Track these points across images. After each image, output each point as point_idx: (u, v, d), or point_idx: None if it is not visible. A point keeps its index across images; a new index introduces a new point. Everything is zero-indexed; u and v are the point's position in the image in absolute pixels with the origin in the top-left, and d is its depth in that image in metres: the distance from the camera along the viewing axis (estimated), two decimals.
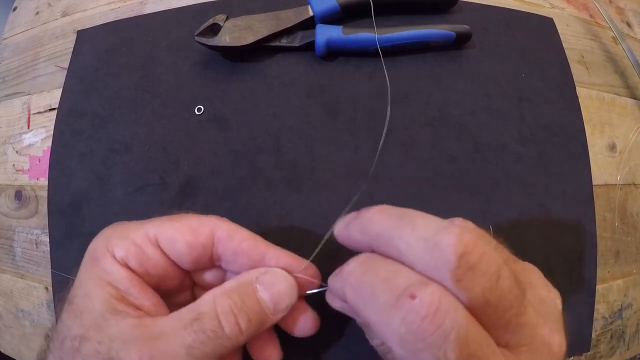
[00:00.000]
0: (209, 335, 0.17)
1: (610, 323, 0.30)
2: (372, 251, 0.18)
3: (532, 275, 0.19)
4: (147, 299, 0.19)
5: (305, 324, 0.22)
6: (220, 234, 0.20)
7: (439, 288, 0.15)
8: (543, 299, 0.18)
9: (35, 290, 0.30)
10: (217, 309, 0.18)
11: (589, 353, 0.29)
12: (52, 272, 0.29)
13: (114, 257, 0.19)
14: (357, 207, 0.28)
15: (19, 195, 0.31)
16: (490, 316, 0.15)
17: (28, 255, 0.30)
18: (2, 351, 0.31)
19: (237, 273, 0.21)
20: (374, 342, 0.20)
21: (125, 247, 0.20)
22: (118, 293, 0.19)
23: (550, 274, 0.28)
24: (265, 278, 0.20)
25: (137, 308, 0.19)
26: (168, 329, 0.18)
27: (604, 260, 0.30)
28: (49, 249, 0.29)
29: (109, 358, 0.17)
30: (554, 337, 0.17)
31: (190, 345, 0.17)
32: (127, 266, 0.20)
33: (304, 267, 0.21)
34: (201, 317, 0.18)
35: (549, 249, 0.29)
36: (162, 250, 0.20)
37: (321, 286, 0.21)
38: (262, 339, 0.22)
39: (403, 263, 0.16)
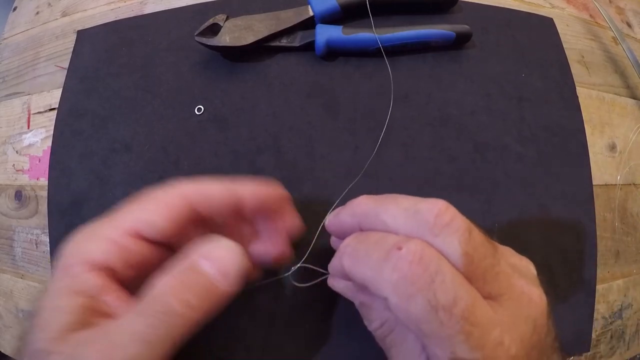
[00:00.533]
0: (159, 318, 0.17)
1: (610, 323, 0.30)
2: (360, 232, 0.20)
3: (502, 247, 0.20)
4: (123, 303, 0.18)
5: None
6: (194, 198, 0.20)
7: (421, 241, 0.17)
8: (515, 264, 0.19)
9: (35, 290, 0.30)
10: (163, 289, 0.18)
11: (589, 353, 0.29)
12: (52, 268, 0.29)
13: (87, 263, 0.18)
14: None
15: (19, 195, 0.31)
16: (468, 266, 0.17)
17: (28, 255, 0.30)
18: (2, 351, 0.31)
19: (233, 224, 0.22)
20: (373, 325, 0.21)
21: (103, 249, 0.18)
22: (89, 303, 0.18)
23: (550, 274, 0.29)
24: (204, 249, 0.19)
25: (108, 316, 0.18)
26: (121, 320, 0.17)
27: (604, 260, 0.30)
28: (49, 249, 0.29)
29: None
30: (532, 289, 0.18)
31: (142, 331, 0.17)
32: (103, 270, 0.18)
33: (297, 267, 0.22)
34: (149, 300, 0.17)
35: (549, 249, 0.29)
36: (143, 238, 0.19)
37: (322, 274, 0.23)
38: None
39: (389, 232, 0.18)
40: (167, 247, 0.21)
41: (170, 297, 0.17)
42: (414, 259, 0.16)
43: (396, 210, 0.18)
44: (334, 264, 0.21)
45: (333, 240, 0.23)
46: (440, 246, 0.17)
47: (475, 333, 0.16)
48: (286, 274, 0.24)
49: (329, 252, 0.21)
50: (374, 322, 0.20)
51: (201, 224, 0.21)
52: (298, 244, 0.23)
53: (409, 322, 0.17)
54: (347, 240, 0.20)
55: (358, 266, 0.18)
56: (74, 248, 0.19)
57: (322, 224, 0.23)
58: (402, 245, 0.17)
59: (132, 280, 0.19)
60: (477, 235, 0.18)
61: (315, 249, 0.24)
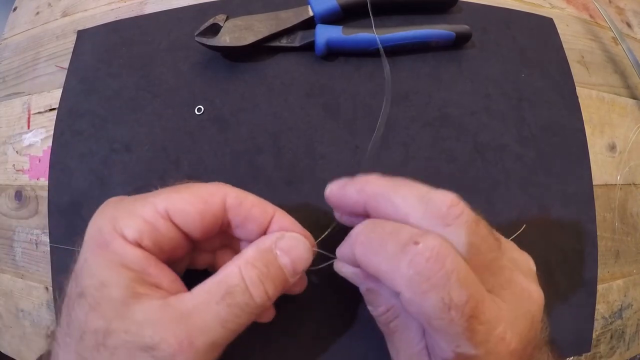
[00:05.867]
0: (242, 308, 0.18)
1: (610, 323, 0.30)
2: (365, 211, 0.20)
3: (506, 242, 0.21)
4: (165, 276, 0.19)
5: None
6: (230, 201, 0.20)
7: (437, 236, 0.17)
8: (516, 259, 0.20)
9: (35, 290, 0.30)
10: (246, 281, 0.18)
11: (589, 353, 0.29)
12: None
13: (124, 238, 0.18)
14: None
15: (19, 195, 0.31)
16: (474, 257, 0.17)
17: (28, 255, 0.30)
18: (2, 351, 0.31)
19: (245, 238, 0.22)
20: (377, 311, 0.21)
21: (136, 226, 0.18)
22: (137, 275, 0.18)
23: (550, 274, 0.29)
24: (284, 243, 0.20)
25: (157, 288, 0.18)
26: (201, 305, 0.17)
27: (604, 260, 0.30)
28: (49, 249, 0.29)
29: (143, 346, 0.16)
30: (532, 285, 0.19)
31: (225, 319, 0.17)
32: (139, 246, 0.18)
33: (314, 242, 0.22)
34: (232, 290, 0.18)
35: (549, 249, 0.29)
36: (174, 224, 0.19)
37: (329, 258, 0.22)
38: None
39: (397, 218, 0.18)
40: (191, 241, 0.21)
41: (253, 288, 0.18)
42: (431, 255, 0.16)
43: (410, 195, 0.18)
44: (343, 250, 0.21)
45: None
46: (450, 236, 0.17)
47: (482, 330, 0.16)
48: None
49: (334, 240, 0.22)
50: (379, 307, 0.21)
51: (226, 227, 0.21)
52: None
53: (419, 316, 0.17)
54: (359, 228, 0.19)
55: (371, 257, 0.18)
56: (108, 223, 0.19)
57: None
58: (419, 240, 0.17)
59: (162, 260, 0.20)
60: (484, 227, 0.18)
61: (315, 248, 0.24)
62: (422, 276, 0.16)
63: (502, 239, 0.20)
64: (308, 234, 0.22)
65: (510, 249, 0.20)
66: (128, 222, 0.18)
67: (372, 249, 0.18)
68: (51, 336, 0.19)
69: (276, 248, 0.20)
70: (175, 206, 0.19)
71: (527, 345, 0.18)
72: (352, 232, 0.20)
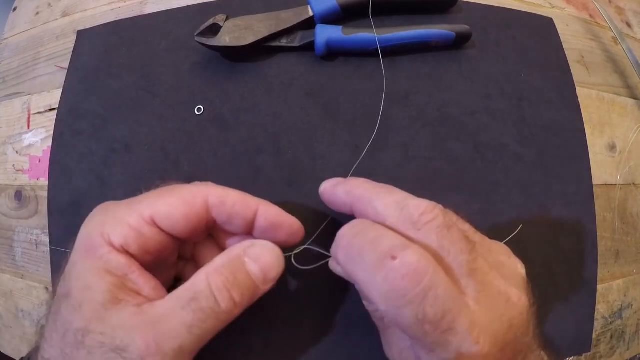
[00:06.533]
0: (207, 313, 0.18)
1: (610, 323, 0.30)
2: (351, 211, 0.21)
3: (494, 246, 0.21)
4: (147, 282, 0.19)
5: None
6: (212, 200, 0.21)
7: (418, 250, 0.17)
8: (503, 262, 0.20)
9: (35, 290, 0.30)
10: (212, 287, 0.19)
11: (589, 353, 0.29)
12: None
13: (111, 244, 0.19)
14: None
15: (19, 195, 0.31)
16: (445, 259, 0.18)
17: (28, 255, 0.30)
18: (2, 351, 0.31)
19: (234, 232, 0.22)
20: (371, 307, 0.22)
21: (122, 233, 0.19)
22: (118, 281, 0.19)
23: (550, 274, 0.29)
24: (253, 251, 0.20)
25: (138, 294, 0.19)
26: (168, 311, 0.18)
27: (604, 260, 0.30)
28: (49, 249, 0.29)
29: (114, 347, 0.17)
30: (512, 289, 0.19)
31: (190, 324, 0.18)
32: (125, 252, 0.19)
33: (300, 226, 0.22)
34: (197, 296, 0.18)
35: (549, 249, 0.29)
36: (159, 228, 0.20)
37: (326, 256, 0.23)
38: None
39: (376, 220, 0.19)
40: (176, 242, 0.22)
41: (218, 293, 0.19)
42: (408, 273, 0.17)
43: (389, 201, 0.20)
44: (333, 249, 0.21)
45: (332, 264, 0.23)
46: (421, 240, 0.18)
47: (456, 340, 0.17)
48: (288, 254, 0.24)
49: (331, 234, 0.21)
50: (373, 304, 0.21)
51: (213, 226, 0.22)
52: (296, 247, 0.23)
53: (396, 325, 0.18)
54: (344, 231, 0.20)
55: (351, 265, 0.19)
56: (96, 230, 0.20)
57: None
58: (397, 255, 0.17)
59: (147, 265, 0.20)
60: (456, 232, 0.19)
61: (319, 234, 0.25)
62: (396, 293, 0.17)
63: (486, 242, 0.21)
64: (295, 221, 0.22)
65: (496, 252, 0.21)
66: (114, 229, 0.19)
67: (352, 257, 0.19)
68: (40, 331, 0.20)
69: (245, 255, 0.20)
70: (159, 212, 0.20)
71: (505, 348, 0.18)
72: (338, 234, 0.20)
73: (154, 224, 0.20)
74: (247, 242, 0.21)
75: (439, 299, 0.16)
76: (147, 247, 0.20)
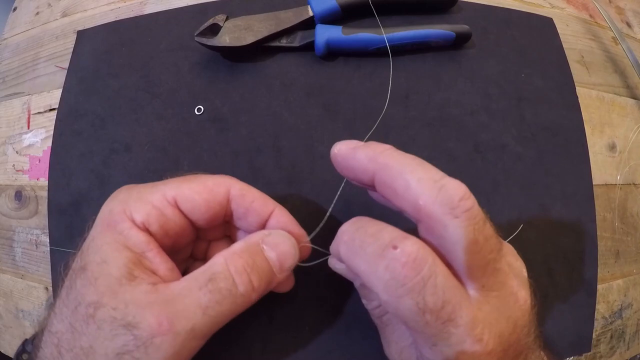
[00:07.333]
0: (223, 295, 0.18)
1: (610, 323, 0.30)
2: (371, 180, 0.19)
3: (506, 245, 0.21)
4: (163, 262, 0.19)
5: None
6: (234, 192, 0.21)
7: (417, 241, 0.17)
8: (512, 263, 0.20)
9: (35, 290, 0.30)
10: (230, 269, 0.19)
11: (589, 353, 0.29)
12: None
13: (133, 220, 0.19)
14: (355, 207, 0.28)
15: (19, 195, 0.31)
16: (475, 255, 0.17)
17: (28, 255, 0.30)
18: (2, 351, 0.31)
19: (245, 229, 0.23)
20: (370, 305, 0.22)
21: (145, 211, 0.19)
22: (135, 257, 0.19)
23: (550, 274, 0.29)
24: (270, 239, 0.21)
25: (153, 273, 0.19)
26: (184, 291, 0.18)
27: (604, 260, 0.30)
28: (49, 249, 0.29)
29: (125, 324, 0.17)
30: (521, 291, 0.19)
31: (206, 305, 0.18)
32: (145, 230, 0.19)
33: (308, 240, 0.22)
34: (215, 277, 0.18)
35: (549, 249, 0.29)
36: (180, 211, 0.20)
37: (324, 254, 0.23)
38: None
39: (405, 197, 0.18)
40: (194, 230, 0.22)
41: (237, 276, 0.19)
42: (408, 261, 0.16)
43: (425, 177, 0.17)
44: (332, 247, 0.21)
45: (331, 262, 0.23)
46: (456, 229, 0.17)
47: (458, 332, 0.17)
48: None
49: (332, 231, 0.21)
50: (372, 302, 0.22)
51: (228, 218, 0.22)
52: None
53: (397, 317, 0.18)
54: (345, 227, 0.20)
55: (353, 257, 0.19)
56: (119, 206, 0.20)
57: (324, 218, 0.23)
58: (397, 245, 0.17)
59: (164, 249, 0.20)
60: (489, 228, 0.18)
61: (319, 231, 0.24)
62: (397, 281, 0.17)
63: (504, 243, 0.20)
64: (304, 232, 0.23)
65: (507, 253, 0.21)
66: (138, 206, 0.19)
67: (354, 250, 0.18)
68: (50, 307, 0.20)
69: (263, 243, 0.20)
70: (183, 194, 0.20)
71: (508, 349, 0.18)
72: (339, 230, 0.20)
73: (176, 205, 0.20)
74: (265, 231, 0.21)
75: (438, 288, 0.16)
76: (167, 228, 0.20)
